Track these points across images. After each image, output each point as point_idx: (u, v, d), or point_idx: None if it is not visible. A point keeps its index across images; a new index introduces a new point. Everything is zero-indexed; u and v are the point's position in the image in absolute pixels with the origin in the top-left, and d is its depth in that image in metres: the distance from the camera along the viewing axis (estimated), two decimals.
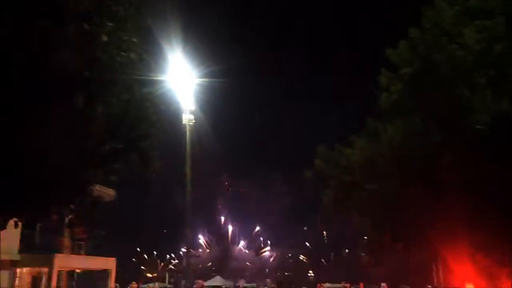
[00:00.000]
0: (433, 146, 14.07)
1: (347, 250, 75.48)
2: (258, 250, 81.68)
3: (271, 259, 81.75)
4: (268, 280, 66.35)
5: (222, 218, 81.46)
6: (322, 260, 79.91)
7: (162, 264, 73.59)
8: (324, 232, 71.82)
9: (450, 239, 16.91)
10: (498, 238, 14.06)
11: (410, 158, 14.78)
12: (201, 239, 78.45)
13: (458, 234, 15.51)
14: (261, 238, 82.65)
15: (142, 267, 70.90)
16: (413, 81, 14.42)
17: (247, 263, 78.81)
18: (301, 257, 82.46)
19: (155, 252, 76.18)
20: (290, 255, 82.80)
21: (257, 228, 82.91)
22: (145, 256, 74.40)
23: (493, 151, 11.75)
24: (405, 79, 14.80)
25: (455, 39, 14.10)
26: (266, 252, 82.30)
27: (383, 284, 32.49)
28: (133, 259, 70.79)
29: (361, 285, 27.61)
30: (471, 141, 12.54)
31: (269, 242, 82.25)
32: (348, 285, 38.64)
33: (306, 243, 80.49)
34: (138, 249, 73.92)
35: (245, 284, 35.80)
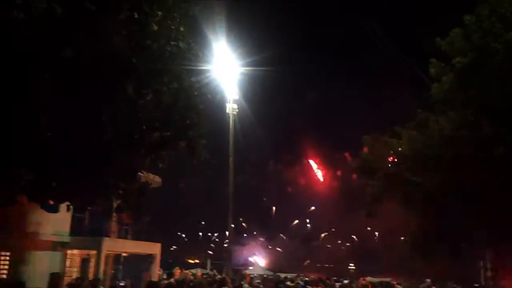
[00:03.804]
0: (485, 139, 13.50)
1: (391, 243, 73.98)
2: (302, 240, 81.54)
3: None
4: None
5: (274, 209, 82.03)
6: (365, 252, 78.74)
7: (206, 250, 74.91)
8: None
9: (498, 237, 16.27)
10: None
11: (461, 151, 14.24)
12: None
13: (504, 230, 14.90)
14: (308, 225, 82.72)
15: (185, 253, 72.36)
16: (466, 71, 13.81)
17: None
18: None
19: (200, 234, 77.74)
20: (329, 246, 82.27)
21: (296, 221, 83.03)
22: (188, 242, 76.02)
23: None
24: (458, 69, 14.19)
25: None
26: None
27: (427, 280, 31.78)
28: (176, 245, 72.41)
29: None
30: None
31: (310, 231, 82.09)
32: (389, 279, 38.04)
33: (352, 235, 79.64)
34: (182, 235, 75.64)
35: (287, 275, 35.83)
